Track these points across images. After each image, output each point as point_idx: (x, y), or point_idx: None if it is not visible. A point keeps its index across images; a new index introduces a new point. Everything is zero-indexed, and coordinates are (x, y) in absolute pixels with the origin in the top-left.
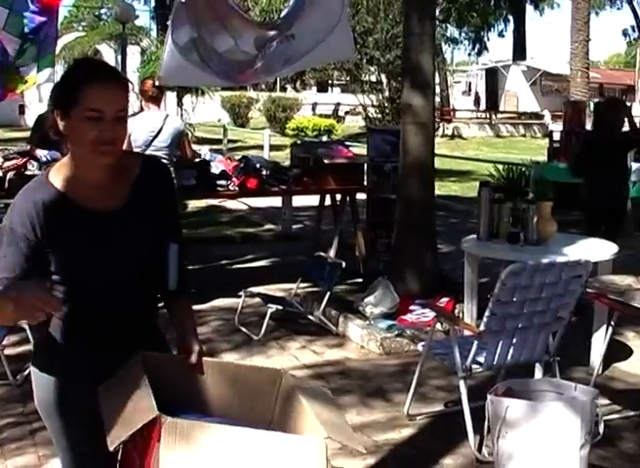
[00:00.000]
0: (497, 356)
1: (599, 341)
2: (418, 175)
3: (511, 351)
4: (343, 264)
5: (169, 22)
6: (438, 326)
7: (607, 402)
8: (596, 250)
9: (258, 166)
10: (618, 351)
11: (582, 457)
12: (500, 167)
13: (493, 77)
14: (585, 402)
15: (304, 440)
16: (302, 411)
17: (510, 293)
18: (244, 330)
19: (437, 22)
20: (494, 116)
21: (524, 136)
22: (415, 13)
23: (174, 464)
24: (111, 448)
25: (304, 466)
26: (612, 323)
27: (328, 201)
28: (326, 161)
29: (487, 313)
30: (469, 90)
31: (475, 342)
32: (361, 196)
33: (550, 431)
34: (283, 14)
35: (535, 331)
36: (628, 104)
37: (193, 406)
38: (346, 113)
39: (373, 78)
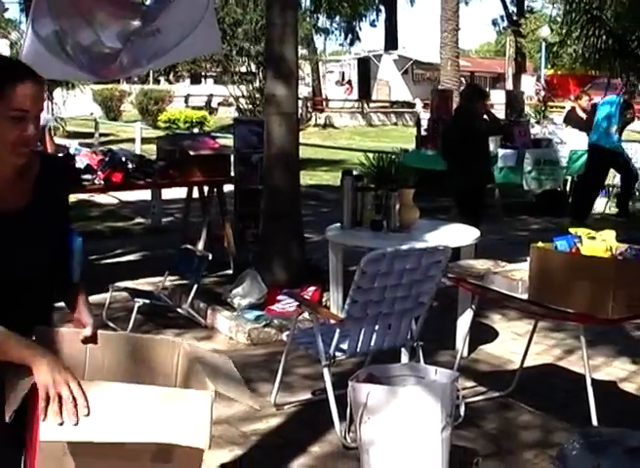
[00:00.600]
0: (360, 343)
1: (463, 325)
2: (282, 166)
3: (374, 337)
4: (210, 256)
5: (30, 12)
6: (306, 315)
7: (472, 384)
8: (458, 235)
9: (123, 159)
10: (483, 334)
11: (444, 439)
12: (371, 155)
13: (365, 66)
14: (445, 384)
15: (189, 393)
16: (201, 378)
17: (370, 281)
18: (112, 325)
19: (308, 13)
20: (366, 105)
21: (396, 124)
22: (277, 3)
23: (49, 427)
24: (7, 420)
25: (188, 417)
26: (473, 306)
27: (196, 193)
28: (192, 153)
29: (348, 300)
30: (342, 79)
31: (337, 330)
32: (229, 187)
33: (411, 415)
34: (147, 3)
35: (397, 316)
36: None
37: (88, 378)
38: (219, 104)
39: (243, 69)
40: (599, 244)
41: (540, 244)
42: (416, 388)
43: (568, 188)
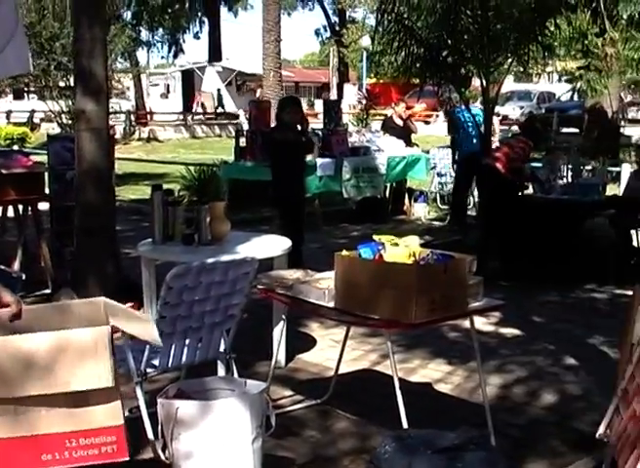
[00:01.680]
0: (171, 358)
1: (279, 335)
2: (94, 182)
3: (186, 352)
4: (24, 276)
5: None
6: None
7: (290, 393)
8: (269, 246)
9: None
10: (302, 342)
11: (255, 450)
12: (192, 168)
13: (189, 79)
14: (254, 396)
15: (85, 332)
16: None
17: (178, 295)
18: None
19: (129, 26)
20: (189, 117)
21: (220, 136)
22: (85, 17)
23: None
24: None
25: (88, 358)
26: (283, 316)
27: (12, 212)
28: (3, 171)
29: (156, 316)
30: (168, 92)
31: (147, 346)
32: (45, 205)
33: (221, 427)
34: None
35: (207, 330)
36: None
37: None
38: (42, 120)
39: (62, 84)
40: (402, 250)
41: (344, 252)
42: (224, 401)
43: (387, 194)
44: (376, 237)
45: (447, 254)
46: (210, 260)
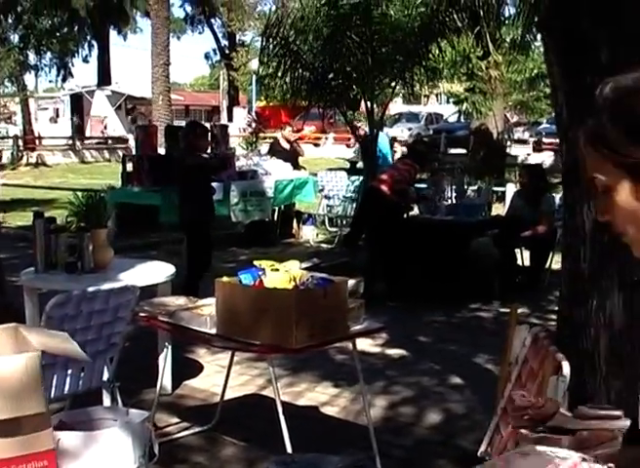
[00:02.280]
0: (53, 388)
1: (164, 362)
2: None
3: (68, 382)
4: None
5: None
6: None
7: (177, 420)
8: (153, 272)
9: None
10: (189, 368)
11: None
12: (80, 194)
13: (78, 103)
14: (136, 425)
15: (15, 358)
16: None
17: (58, 325)
18: None
19: (17, 49)
20: (78, 142)
21: (109, 160)
22: None
23: None
24: None
25: (19, 384)
26: (166, 343)
27: None
28: None
29: None
30: (57, 116)
31: None
32: None
33: (104, 458)
34: None
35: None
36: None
37: None
38: None
39: None
40: (282, 275)
41: (224, 278)
42: (106, 431)
43: (276, 218)
44: (256, 262)
45: (327, 279)
46: (91, 289)
